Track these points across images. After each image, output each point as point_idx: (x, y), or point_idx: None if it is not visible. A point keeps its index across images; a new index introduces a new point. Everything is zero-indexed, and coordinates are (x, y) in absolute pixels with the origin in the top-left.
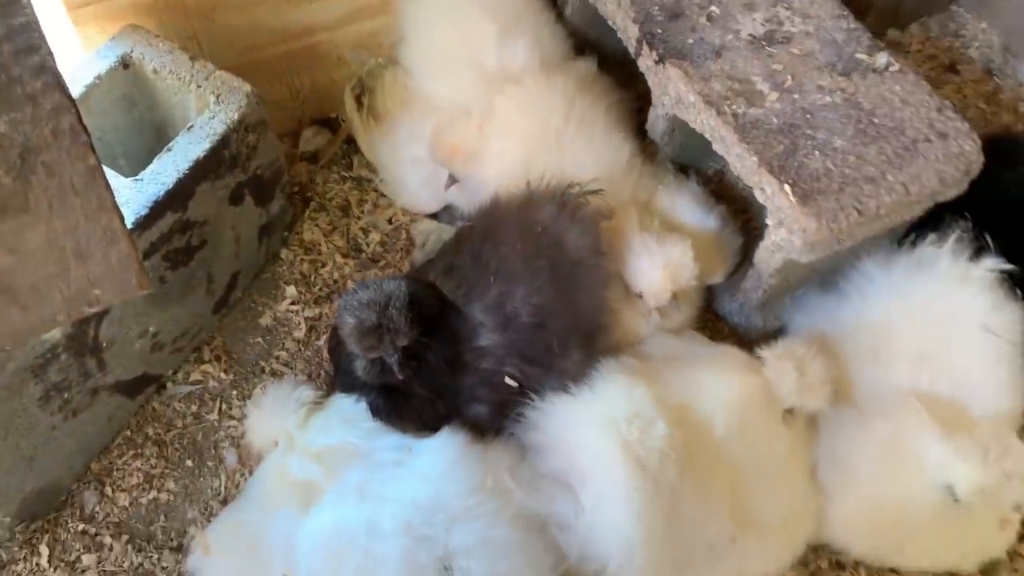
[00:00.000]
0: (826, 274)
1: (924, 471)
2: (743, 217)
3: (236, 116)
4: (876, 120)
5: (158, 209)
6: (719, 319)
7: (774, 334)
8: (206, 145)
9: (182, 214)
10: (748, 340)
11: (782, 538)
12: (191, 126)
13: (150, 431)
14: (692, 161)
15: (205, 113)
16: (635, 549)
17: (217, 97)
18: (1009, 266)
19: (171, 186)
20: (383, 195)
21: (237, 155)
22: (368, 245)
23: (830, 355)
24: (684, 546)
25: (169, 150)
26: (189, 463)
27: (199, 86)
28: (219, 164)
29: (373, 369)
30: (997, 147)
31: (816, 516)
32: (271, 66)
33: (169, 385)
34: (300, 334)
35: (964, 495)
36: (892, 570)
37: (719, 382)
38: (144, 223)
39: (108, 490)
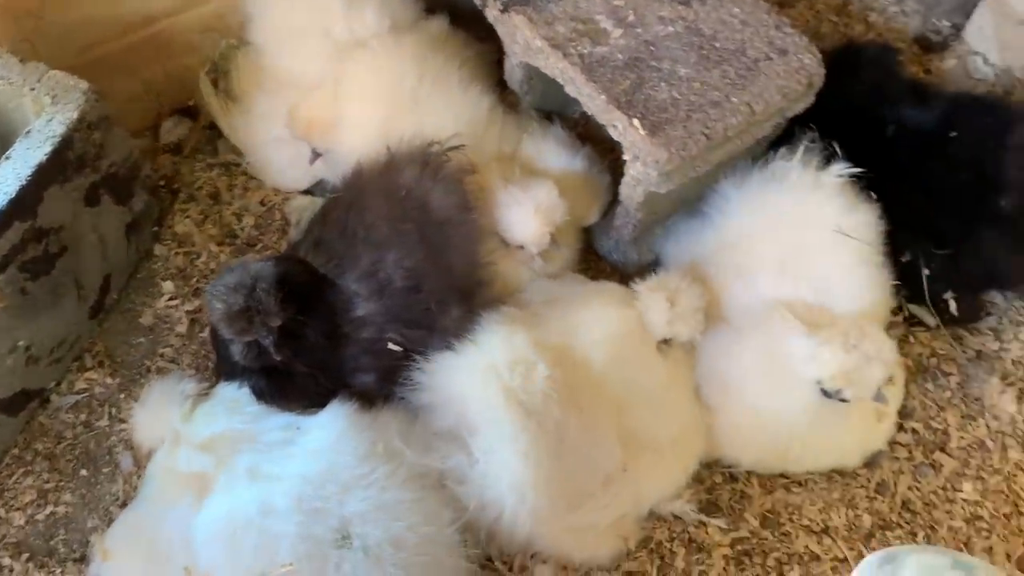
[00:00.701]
0: (694, 202)
1: (796, 373)
2: (611, 156)
3: (76, 115)
4: (717, 44)
5: (3, 220)
6: (600, 259)
7: (651, 266)
8: (47, 148)
9: (32, 222)
10: (628, 275)
11: (673, 460)
12: (28, 131)
13: (39, 447)
14: (557, 107)
15: (42, 116)
16: (527, 490)
17: (53, 98)
18: (857, 170)
19: (14, 195)
20: (252, 178)
21: (84, 155)
22: (242, 230)
23: (703, 281)
24: (578, 480)
25: (8, 158)
26: (84, 472)
27: (32, 89)
28: (65, 166)
29: (250, 353)
30: (842, 58)
31: (704, 434)
32: (117, 60)
33: (53, 397)
34: (183, 328)
35: (830, 382)
36: (782, 475)
37: (594, 318)
38: None
39: (1, 511)
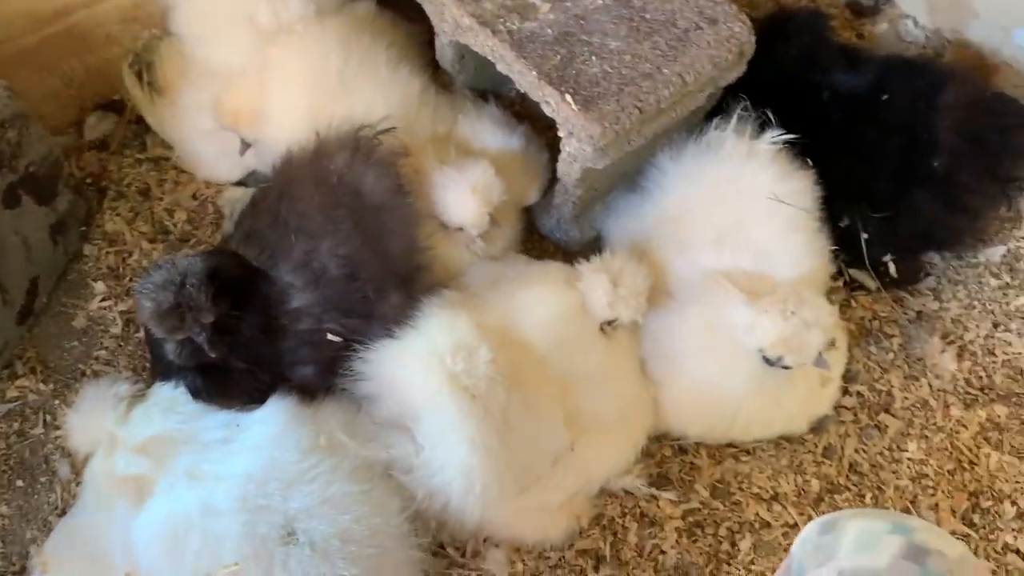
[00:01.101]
0: (633, 177)
1: (738, 342)
2: (549, 134)
3: None
4: (647, 16)
5: None
6: (543, 238)
7: (594, 242)
8: None
9: None
10: (571, 253)
11: (621, 436)
12: None
13: None
14: (492, 86)
15: None
16: (475, 475)
17: None
18: (790, 136)
19: None
20: (183, 171)
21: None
22: (175, 225)
23: (647, 262)
24: (526, 462)
25: None
26: (20, 483)
27: None
28: None
29: (184, 351)
30: (773, 25)
31: (652, 409)
32: (32, 56)
33: None
34: (117, 330)
35: (770, 349)
36: (730, 445)
37: (535, 299)
38: None
39: None
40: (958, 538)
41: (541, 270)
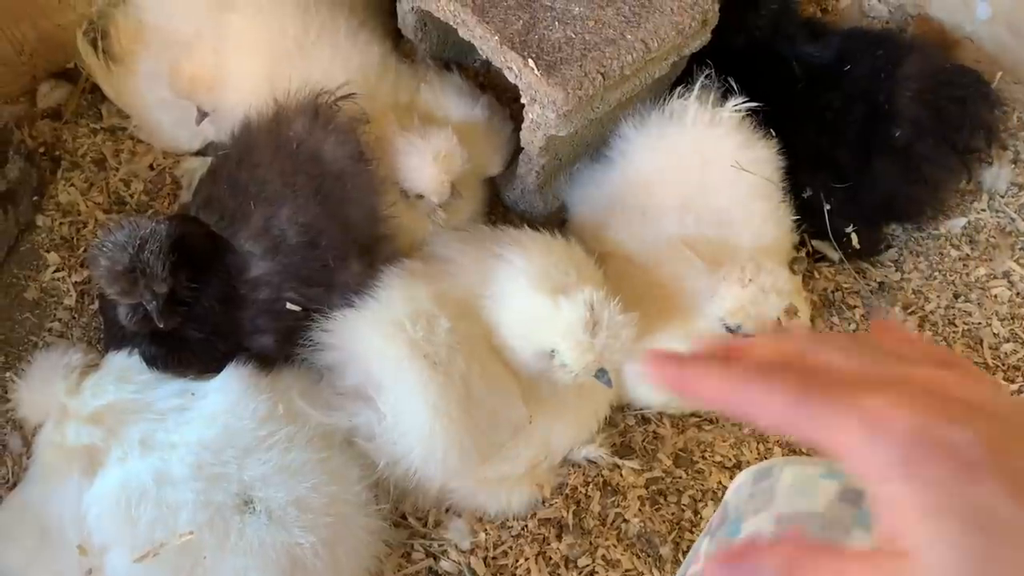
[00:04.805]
0: (597, 147)
1: (699, 311)
2: (514, 106)
3: None
4: None
5: None
6: (507, 210)
7: (559, 213)
8: None
9: None
10: (534, 225)
11: (580, 408)
12: None
13: None
14: (456, 55)
15: None
16: (437, 441)
17: None
18: (753, 104)
19: None
20: (140, 141)
21: None
22: (132, 196)
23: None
24: (487, 431)
25: None
26: None
27: None
28: None
29: (137, 315)
30: None
31: (614, 380)
32: None
33: None
34: (71, 301)
35: (730, 317)
36: (693, 414)
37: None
38: None
39: None
40: None
41: (506, 237)
